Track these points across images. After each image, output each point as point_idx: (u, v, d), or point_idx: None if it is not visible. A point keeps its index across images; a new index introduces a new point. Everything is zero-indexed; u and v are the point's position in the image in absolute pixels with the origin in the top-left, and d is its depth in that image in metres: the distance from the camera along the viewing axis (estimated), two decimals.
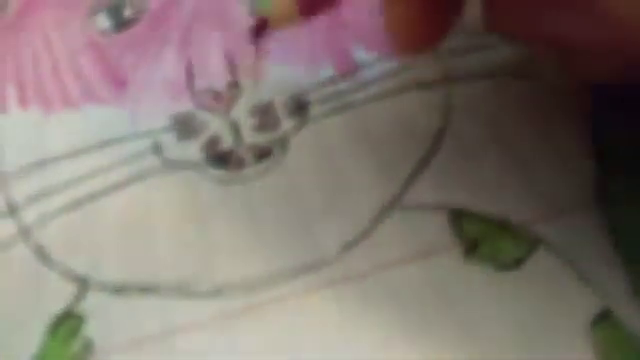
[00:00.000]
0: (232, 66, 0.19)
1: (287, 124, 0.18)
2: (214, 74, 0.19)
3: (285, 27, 0.16)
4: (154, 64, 0.19)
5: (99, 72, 0.20)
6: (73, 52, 0.20)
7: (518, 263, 0.16)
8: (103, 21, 0.20)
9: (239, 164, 0.18)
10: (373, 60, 0.19)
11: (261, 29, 0.16)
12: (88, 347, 0.15)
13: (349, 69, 0.19)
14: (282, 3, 0.15)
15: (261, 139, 0.18)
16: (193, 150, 0.18)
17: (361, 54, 0.19)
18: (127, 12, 0.20)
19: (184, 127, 0.18)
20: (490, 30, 0.17)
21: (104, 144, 0.18)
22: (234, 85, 0.19)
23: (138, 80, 0.19)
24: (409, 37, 0.16)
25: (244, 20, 0.20)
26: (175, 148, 0.18)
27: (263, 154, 0.18)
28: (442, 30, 0.16)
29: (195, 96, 0.19)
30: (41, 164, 0.18)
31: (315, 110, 0.18)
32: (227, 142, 0.18)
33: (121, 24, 0.20)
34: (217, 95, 0.19)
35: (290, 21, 0.16)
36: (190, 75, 0.19)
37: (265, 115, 0.18)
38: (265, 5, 0.16)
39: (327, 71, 0.19)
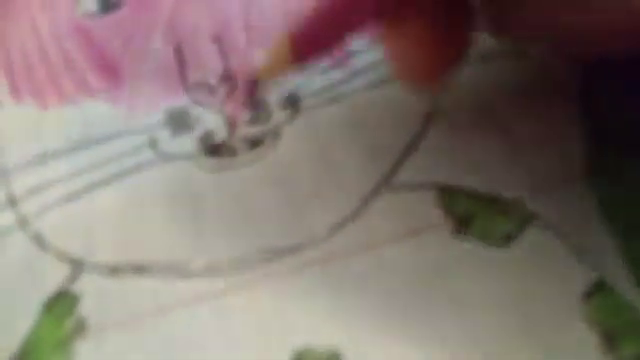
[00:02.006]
0: (223, 51, 0.20)
1: (280, 116, 0.18)
2: (205, 60, 0.19)
3: (277, 77, 0.16)
4: (143, 49, 0.20)
5: (88, 59, 0.20)
6: (60, 36, 0.20)
7: (510, 239, 0.16)
8: (90, 4, 0.21)
9: (232, 153, 0.18)
10: (364, 47, 0.19)
11: (253, 86, 0.16)
12: (81, 325, 0.16)
13: (341, 56, 0.19)
14: (276, 53, 0.15)
15: (254, 131, 0.18)
16: (188, 144, 0.18)
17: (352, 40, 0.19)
18: None
19: (179, 123, 0.19)
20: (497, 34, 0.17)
21: (101, 140, 0.19)
22: (227, 78, 0.19)
23: (129, 69, 0.20)
24: (412, 72, 0.16)
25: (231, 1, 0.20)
26: (170, 142, 0.18)
27: (255, 143, 0.18)
28: (448, 63, 0.16)
29: (189, 89, 0.19)
30: (40, 159, 0.19)
31: (307, 103, 0.19)
32: (221, 135, 0.18)
33: (108, 6, 0.20)
34: (211, 89, 0.19)
35: (283, 71, 0.16)
36: (182, 62, 0.20)
37: (258, 109, 0.19)
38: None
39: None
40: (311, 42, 0.15)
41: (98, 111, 0.19)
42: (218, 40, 0.20)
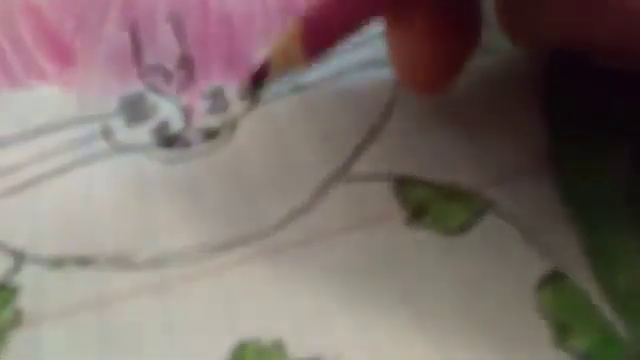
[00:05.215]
0: (180, 35, 0.19)
1: (237, 107, 0.18)
2: (162, 43, 0.19)
3: (287, 73, 0.15)
4: (97, 30, 0.19)
5: (39, 40, 0.19)
6: (9, 15, 0.19)
7: (465, 227, 0.16)
8: None
9: (186, 144, 0.18)
10: None
11: (261, 77, 0.15)
12: (18, 316, 0.15)
13: None
14: (286, 46, 0.15)
15: (211, 122, 0.18)
16: (142, 134, 0.18)
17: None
18: None
19: (134, 111, 0.18)
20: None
21: (52, 128, 0.18)
22: (184, 63, 0.19)
23: (82, 51, 0.19)
24: (418, 82, 0.16)
25: None
26: (124, 132, 0.18)
27: (210, 135, 0.18)
28: (452, 68, 0.16)
29: (144, 73, 0.19)
30: None
31: (266, 93, 0.18)
32: (177, 125, 0.18)
33: None
34: (168, 75, 0.19)
35: (293, 66, 0.15)
36: (137, 44, 0.19)
37: (216, 99, 0.18)
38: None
39: None
40: (323, 33, 0.15)
41: (48, 99, 0.19)
42: (175, 22, 0.19)
